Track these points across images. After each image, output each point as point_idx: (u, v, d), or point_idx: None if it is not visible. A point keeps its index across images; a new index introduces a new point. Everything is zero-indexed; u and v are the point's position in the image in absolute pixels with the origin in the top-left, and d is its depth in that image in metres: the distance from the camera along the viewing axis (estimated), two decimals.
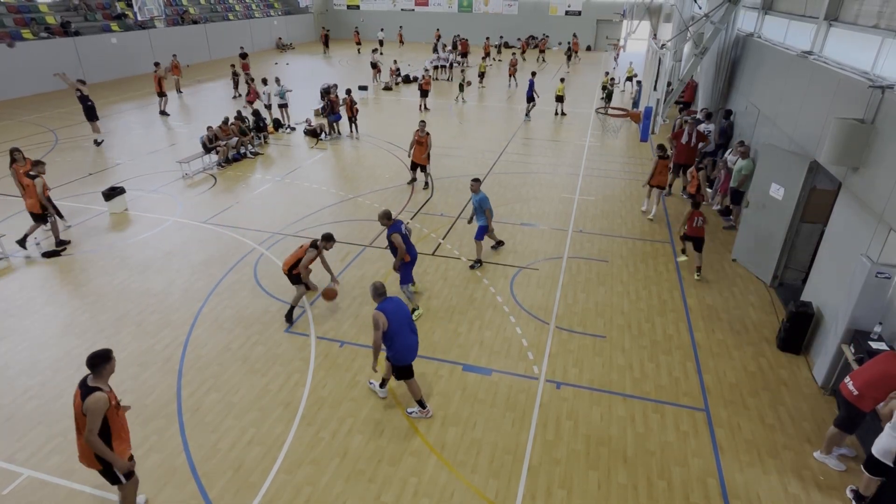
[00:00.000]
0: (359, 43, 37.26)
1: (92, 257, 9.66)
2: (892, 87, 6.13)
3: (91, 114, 15.65)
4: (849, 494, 5.38)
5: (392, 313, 5.76)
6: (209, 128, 14.54)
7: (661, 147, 11.58)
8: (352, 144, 16.76)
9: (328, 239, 7.74)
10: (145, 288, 8.72)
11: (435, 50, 32.78)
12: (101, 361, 4.43)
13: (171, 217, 11.29)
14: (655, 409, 6.45)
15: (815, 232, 8.48)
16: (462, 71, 24.70)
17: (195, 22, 31.39)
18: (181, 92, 23.22)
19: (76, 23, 25.02)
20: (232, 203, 12.09)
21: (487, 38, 34.08)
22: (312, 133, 17.19)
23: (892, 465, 4.79)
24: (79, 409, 4.35)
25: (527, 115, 20.19)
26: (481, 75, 27.06)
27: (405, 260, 7.94)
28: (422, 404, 6.20)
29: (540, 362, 7.20)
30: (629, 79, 25.89)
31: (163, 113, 19.52)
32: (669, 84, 11.77)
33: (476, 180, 9.28)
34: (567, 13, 40.98)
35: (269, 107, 18.22)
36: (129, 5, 27.57)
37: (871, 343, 5.90)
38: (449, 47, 33.54)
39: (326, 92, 18.09)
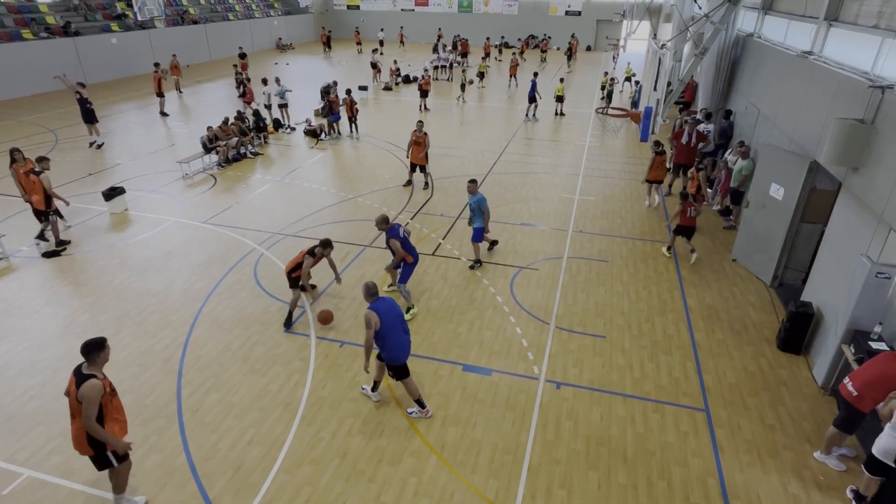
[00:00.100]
0: (359, 43, 37.29)
1: (92, 257, 9.66)
2: (892, 88, 6.13)
3: (90, 116, 15.55)
4: (849, 494, 5.38)
5: (384, 313, 5.79)
6: (209, 128, 14.54)
7: (657, 143, 11.92)
8: (352, 144, 16.76)
9: (326, 245, 7.74)
10: (145, 288, 8.72)
11: (435, 50, 32.77)
12: (95, 349, 4.51)
13: (171, 217, 11.29)
14: (655, 409, 6.45)
15: (815, 232, 8.48)
16: (463, 71, 24.70)
17: (195, 22, 31.39)
18: (181, 92, 23.22)
19: (76, 23, 25.01)
20: (232, 203, 12.09)
21: (488, 39, 34.06)
22: (312, 133, 17.19)
23: (892, 464, 4.79)
24: (73, 396, 4.43)
25: (529, 115, 20.19)
26: (481, 75, 27.07)
27: (407, 261, 7.97)
28: (421, 404, 6.21)
29: (540, 362, 7.20)
30: (627, 79, 25.93)
31: (163, 114, 19.53)
32: (669, 84, 11.80)
33: (473, 181, 9.18)
34: (567, 13, 40.99)
35: (268, 107, 18.23)
36: (129, 5, 27.56)
37: (871, 343, 5.90)
38: (449, 47, 33.55)
39: (326, 92, 18.08)
